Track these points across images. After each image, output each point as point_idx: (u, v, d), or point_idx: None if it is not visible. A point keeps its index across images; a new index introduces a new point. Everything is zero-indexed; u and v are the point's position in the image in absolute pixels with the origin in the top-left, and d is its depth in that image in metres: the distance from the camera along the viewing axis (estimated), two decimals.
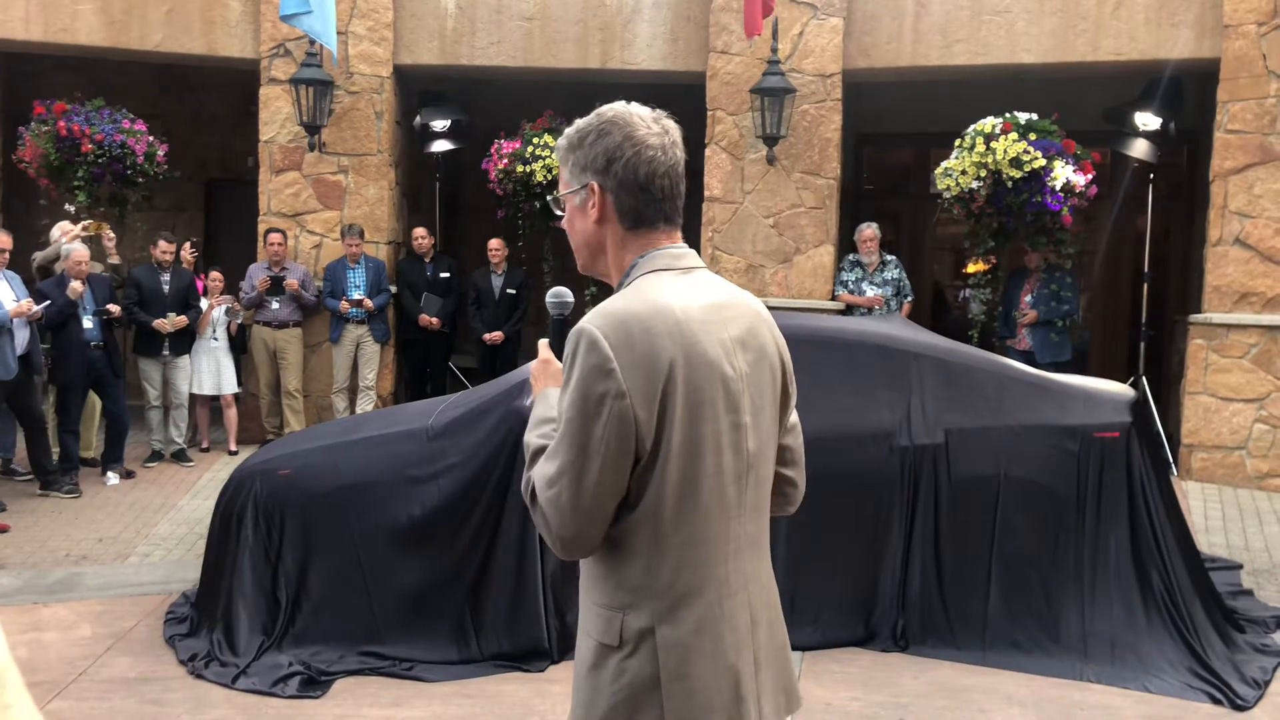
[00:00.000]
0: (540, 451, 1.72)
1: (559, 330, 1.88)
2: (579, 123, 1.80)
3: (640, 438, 1.63)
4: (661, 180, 1.75)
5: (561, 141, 1.83)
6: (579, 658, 1.78)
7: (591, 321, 1.65)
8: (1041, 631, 4.75)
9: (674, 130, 1.79)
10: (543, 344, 1.92)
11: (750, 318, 1.79)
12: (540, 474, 1.68)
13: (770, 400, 1.80)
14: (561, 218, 1.87)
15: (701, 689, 1.68)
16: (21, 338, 6.95)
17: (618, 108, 1.79)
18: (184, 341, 8.24)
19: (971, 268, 8.62)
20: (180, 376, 8.24)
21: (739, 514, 1.75)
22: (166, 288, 8.06)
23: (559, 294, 1.95)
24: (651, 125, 1.77)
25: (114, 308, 7.53)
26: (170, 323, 7.91)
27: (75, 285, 7.11)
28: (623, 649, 1.69)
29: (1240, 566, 6.01)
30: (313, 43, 8.31)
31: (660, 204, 1.76)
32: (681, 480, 1.67)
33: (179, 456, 8.25)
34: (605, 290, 1.76)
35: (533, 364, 1.92)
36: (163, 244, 8.14)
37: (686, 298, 1.71)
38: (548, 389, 1.85)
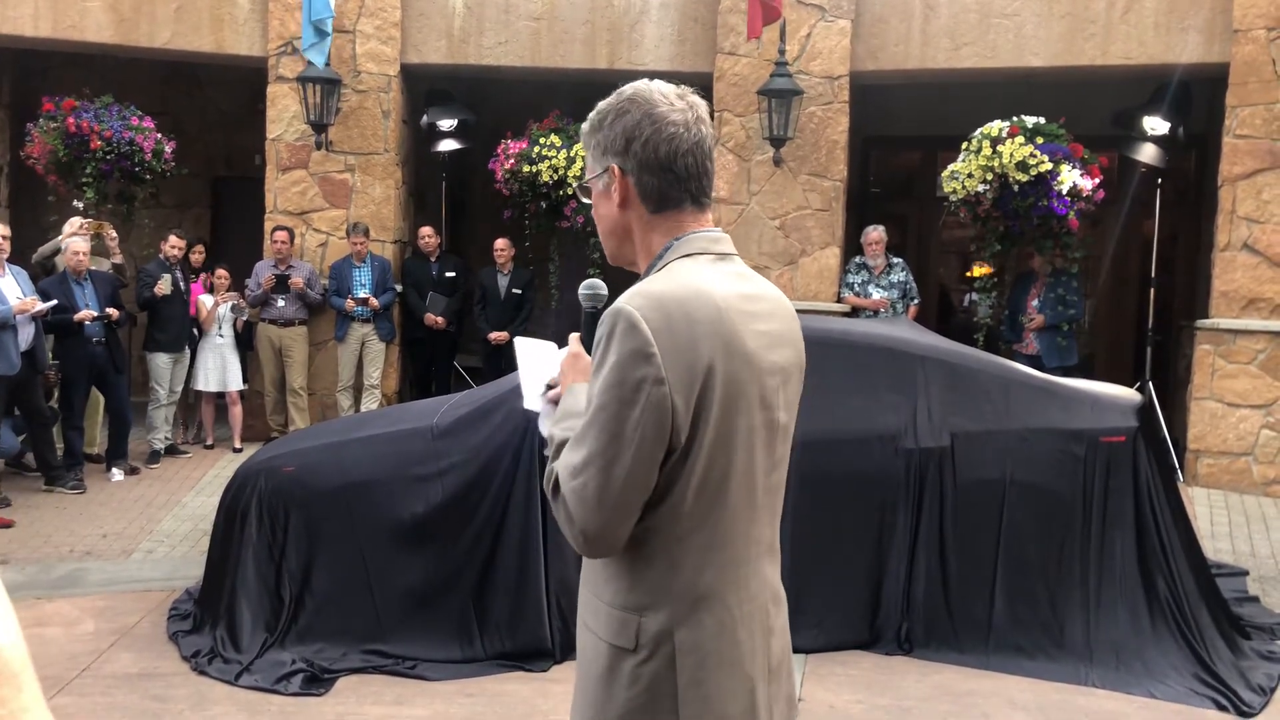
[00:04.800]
0: (565, 444, 1.61)
1: (591, 324, 1.78)
2: (600, 104, 1.69)
3: (676, 428, 1.52)
4: (685, 158, 1.64)
5: (585, 125, 1.71)
6: (586, 660, 1.67)
7: (630, 302, 1.54)
8: (1046, 636, 4.74)
9: (700, 106, 1.68)
10: (574, 338, 1.80)
11: (784, 313, 1.71)
12: (565, 463, 1.56)
13: (795, 402, 1.71)
14: (589, 206, 1.77)
15: (717, 697, 1.59)
16: (26, 334, 6.95)
17: (638, 85, 1.67)
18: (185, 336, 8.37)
19: (977, 271, 8.60)
20: (182, 373, 8.35)
21: (762, 517, 1.67)
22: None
23: (592, 286, 1.83)
24: (675, 102, 1.65)
25: (113, 312, 7.52)
26: (167, 283, 7.93)
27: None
28: (639, 653, 1.59)
29: (1246, 573, 5.98)
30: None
31: (685, 184, 1.65)
32: (711, 477, 1.57)
33: (172, 450, 8.34)
34: (633, 281, 1.68)
35: (562, 355, 1.80)
36: (173, 239, 8.24)
37: (725, 285, 1.61)
38: (576, 384, 1.70)
